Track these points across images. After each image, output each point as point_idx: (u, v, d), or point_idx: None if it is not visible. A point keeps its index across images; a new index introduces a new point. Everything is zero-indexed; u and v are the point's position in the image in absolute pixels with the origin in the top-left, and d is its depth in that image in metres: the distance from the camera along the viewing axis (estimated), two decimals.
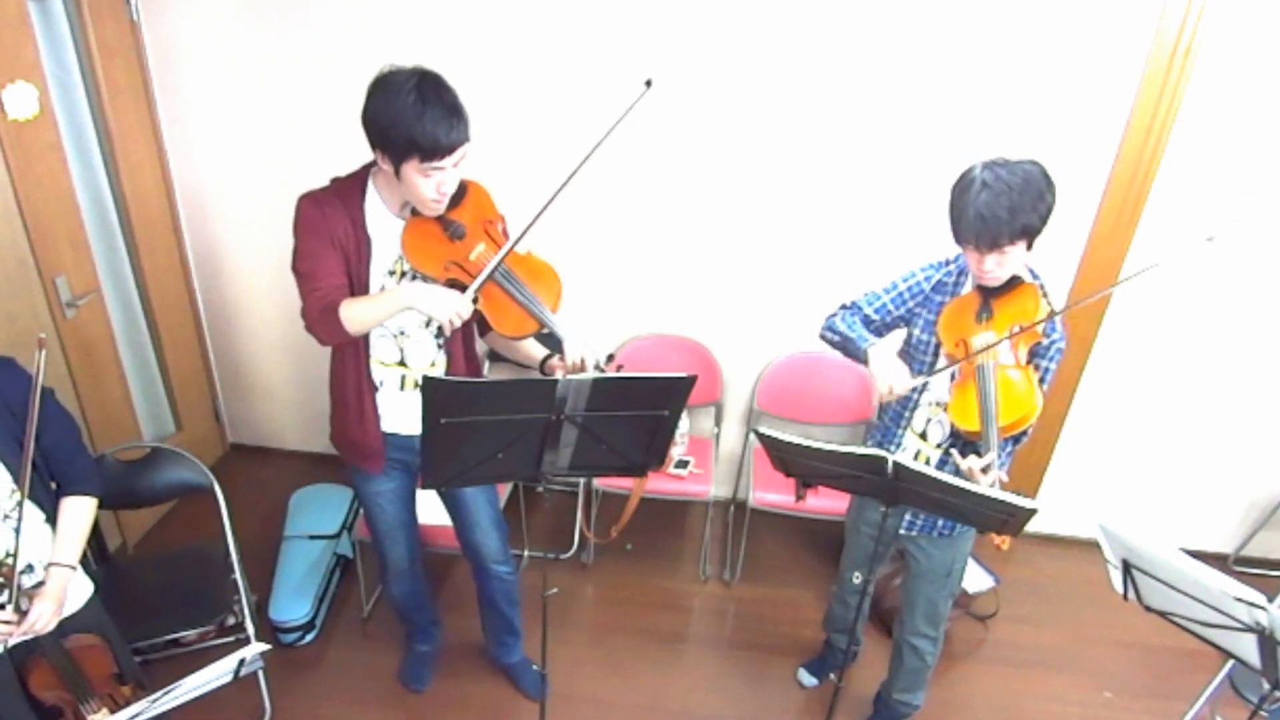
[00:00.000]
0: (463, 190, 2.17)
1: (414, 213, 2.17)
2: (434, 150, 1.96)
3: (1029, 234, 2.05)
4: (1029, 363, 2.19)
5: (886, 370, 2.23)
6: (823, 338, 2.45)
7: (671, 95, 3.15)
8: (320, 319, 2.12)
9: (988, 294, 2.20)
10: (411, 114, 1.92)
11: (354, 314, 2.10)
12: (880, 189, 3.24)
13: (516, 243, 2.12)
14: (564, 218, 3.36)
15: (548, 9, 3.08)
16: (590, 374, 1.97)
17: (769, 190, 3.31)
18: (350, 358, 2.32)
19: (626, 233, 3.45)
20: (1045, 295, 2.20)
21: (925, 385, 2.34)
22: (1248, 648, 1.88)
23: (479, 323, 2.34)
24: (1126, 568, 2.03)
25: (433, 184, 2.03)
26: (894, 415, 2.46)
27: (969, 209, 2.03)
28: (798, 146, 3.21)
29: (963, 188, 2.08)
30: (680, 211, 3.39)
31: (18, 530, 1.93)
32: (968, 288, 2.28)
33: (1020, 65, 2.98)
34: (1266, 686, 1.94)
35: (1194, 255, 3.17)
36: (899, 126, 3.13)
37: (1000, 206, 1.99)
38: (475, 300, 2.10)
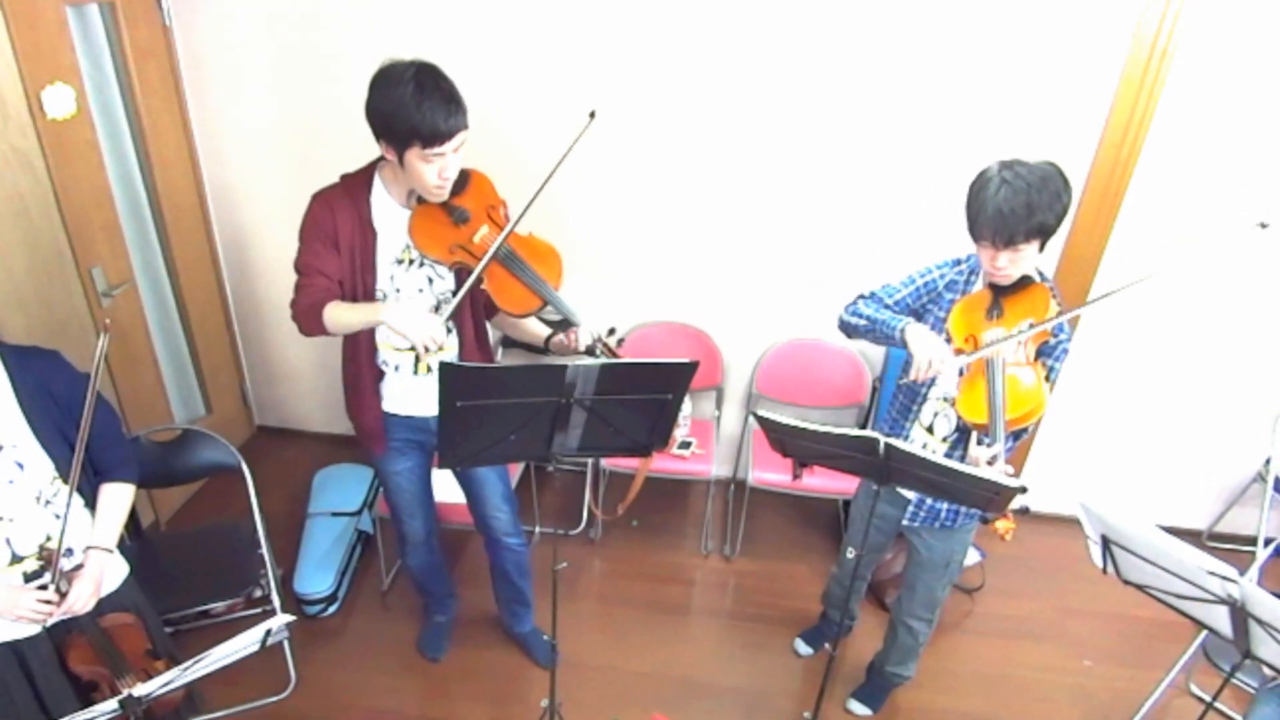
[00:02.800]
0: (465, 178, 2.19)
1: (420, 201, 2.18)
2: (434, 136, 1.96)
3: (1044, 232, 2.00)
4: (1036, 360, 2.15)
5: (927, 345, 2.13)
6: (845, 324, 2.35)
7: (673, 88, 3.14)
8: (305, 313, 2.15)
9: (999, 292, 2.15)
10: (411, 103, 1.93)
11: (335, 317, 2.14)
12: (872, 184, 3.23)
13: (517, 223, 2.14)
14: (569, 210, 3.38)
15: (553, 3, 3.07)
16: (598, 359, 1.96)
17: (768, 186, 3.30)
18: (354, 344, 2.35)
19: (631, 225, 3.44)
20: (1056, 296, 2.14)
21: (933, 380, 2.27)
22: (1220, 619, 1.88)
23: (486, 305, 2.34)
24: (1106, 543, 2.02)
25: (435, 170, 2.04)
26: (901, 408, 2.41)
27: (988, 205, 1.99)
28: (794, 143, 3.20)
29: (980, 185, 2.03)
30: (683, 206, 3.38)
31: (59, 516, 1.93)
32: (978, 287, 2.23)
33: (1002, 67, 2.96)
34: (1238, 656, 1.94)
35: (1244, 241, 3.11)
36: (888, 125, 3.11)
37: (1019, 203, 1.95)
38: (481, 281, 2.12)
